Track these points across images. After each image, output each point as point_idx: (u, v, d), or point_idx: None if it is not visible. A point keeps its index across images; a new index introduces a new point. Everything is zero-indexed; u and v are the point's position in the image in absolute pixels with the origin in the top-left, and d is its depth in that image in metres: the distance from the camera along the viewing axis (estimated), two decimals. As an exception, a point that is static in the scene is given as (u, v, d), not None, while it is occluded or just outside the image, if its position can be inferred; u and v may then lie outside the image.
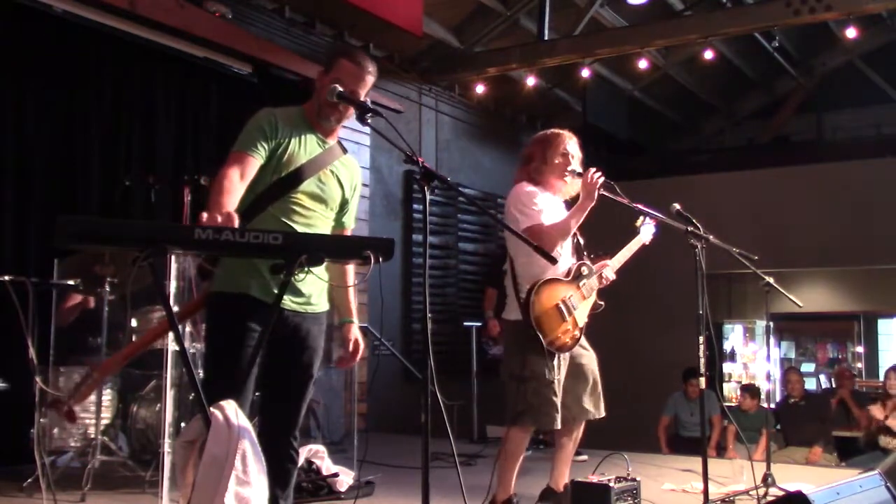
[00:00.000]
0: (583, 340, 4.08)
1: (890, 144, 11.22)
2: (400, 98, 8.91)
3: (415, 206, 9.28)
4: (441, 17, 9.05)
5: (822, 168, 10.57)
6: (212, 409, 2.37)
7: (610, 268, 4.12)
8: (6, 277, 4.15)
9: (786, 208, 10.04)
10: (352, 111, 3.01)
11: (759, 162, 11.53)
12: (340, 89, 2.89)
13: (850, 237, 9.80)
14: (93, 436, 4.74)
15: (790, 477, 5.08)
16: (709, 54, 9.52)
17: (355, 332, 3.13)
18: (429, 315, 2.61)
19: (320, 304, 3.02)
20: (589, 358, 4.10)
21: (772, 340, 12.46)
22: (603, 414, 4.09)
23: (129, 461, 4.87)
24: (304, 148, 2.97)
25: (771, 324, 11.67)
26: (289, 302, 2.87)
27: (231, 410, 2.39)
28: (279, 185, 2.91)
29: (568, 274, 4.00)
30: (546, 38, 8.76)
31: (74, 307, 5.38)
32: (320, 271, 2.89)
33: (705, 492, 4.02)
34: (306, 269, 2.47)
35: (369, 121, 2.81)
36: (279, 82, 7.21)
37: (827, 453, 7.86)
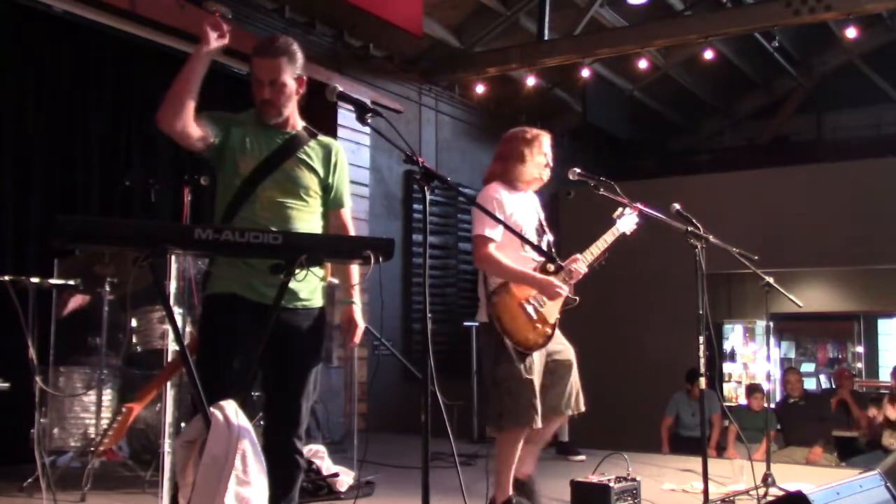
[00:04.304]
0: (559, 336, 4.02)
1: (890, 144, 11.23)
2: (400, 98, 8.91)
3: (415, 206, 9.27)
4: (441, 17, 9.06)
5: (821, 168, 10.58)
6: (212, 409, 2.37)
7: (581, 262, 3.99)
8: (6, 277, 4.15)
9: (786, 208, 10.03)
10: (290, 91, 2.95)
11: (759, 162, 11.54)
12: (340, 89, 2.87)
13: (849, 237, 9.79)
14: (93, 436, 4.73)
15: (790, 477, 5.08)
16: (709, 54, 9.52)
17: (351, 313, 3.08)
18: (429, 315, 2.60)
19: (312, 300, 2.98)
20: (566, 353, 4.02)
21: (772, 340, 12.46)
22: (582, 409, 4.02)
23: (129, 461, 4.87)
24: (261, 145, 2.94)
25: (771, 324, 11.67)
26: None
27: (231, 410, 2.40)
28: (245, 186, 2.89)
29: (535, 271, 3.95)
30: (546, 38, 8.76)
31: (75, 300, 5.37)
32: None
33: (705, 492, 4.02)
34: (307, 268, 2.47)
35: (369, 121, 2.78)
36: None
37: (827, 453, 7.86)
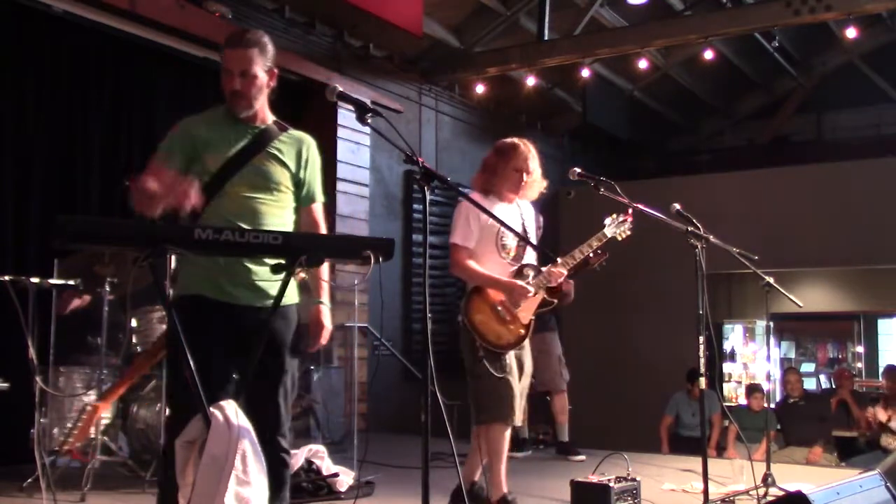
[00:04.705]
0: (528, 345, 4.09)
1: (890, 144, 11.23)
2: (400, 98, 8.90)
3: (415, 206, 9.27)
4: (441, 17, 9.05)
5: (821, 168, 10.58)
6: (212, 409, 2.38)
7: (561, 265, 4.03)
8: (6, 277, 4.15)
9: (786, 208, 10.04)
10: (261, 83, 2.92)
11: (759, 162, 11.54)
12: (340, 89, 2.86)
13: (849, 237, 9.80)
14: (93, 436, 4.73)
15: (790, 477, 5.08)
16: (709, 54, 9.52)
17: (318, 314, 3.01)
18: (429, 315, 2.60)
19: (284, 297, 2.87)
20: (527, 363, 4.11)
21: (772, 340, 12.46)
22: (519, 423, 4.13)
23: (129, 461, 4.87)
24: (229, 141, 2.89)
25: (771, 324, 11.68)
26: (243, 298, 2.81)
27: (231, 410, 2.40)
28: (213, 183, 2.84)
29: (511, 276, 4.02)
30: (546, 38, 8.76)
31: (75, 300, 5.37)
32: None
33: (705, 492, 4.02)
34: (306, 268, 2.46)
35: (369, 121, 2.77)
36: (278, 82, 7.20)
37: (827, 453, 7.86)
